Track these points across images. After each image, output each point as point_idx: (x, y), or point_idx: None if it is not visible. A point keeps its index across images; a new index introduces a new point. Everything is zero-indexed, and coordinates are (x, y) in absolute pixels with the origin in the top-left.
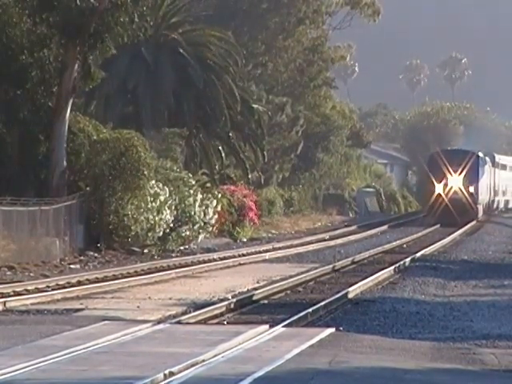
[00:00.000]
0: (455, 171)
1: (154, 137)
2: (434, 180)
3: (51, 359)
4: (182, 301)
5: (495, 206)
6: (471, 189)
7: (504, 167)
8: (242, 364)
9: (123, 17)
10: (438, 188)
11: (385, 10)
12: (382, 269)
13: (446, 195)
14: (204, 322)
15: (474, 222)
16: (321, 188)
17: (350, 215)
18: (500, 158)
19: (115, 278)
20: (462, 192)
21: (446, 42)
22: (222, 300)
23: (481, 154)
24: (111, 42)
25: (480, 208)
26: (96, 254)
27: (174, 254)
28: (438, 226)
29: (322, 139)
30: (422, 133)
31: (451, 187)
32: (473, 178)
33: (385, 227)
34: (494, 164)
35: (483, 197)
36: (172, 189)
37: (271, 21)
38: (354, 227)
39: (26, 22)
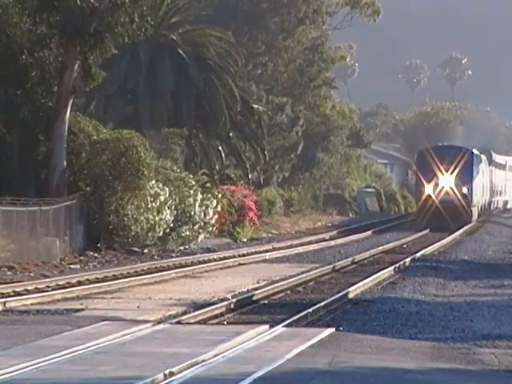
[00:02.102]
0: (447, 170)
1: (154, 137)
2: (423, 179)
3: (51, 359)
4: (182, 301)
5: (492, 207)
6: (464, 189)
7: (503, 166)
8: (242, 364)
9: (123, 17)
10: (428, 188)
11: (385, 9)
12: (382, 269)
13: (437, 196)
14: (204, 322)
15: (472, 223)
16: (321, 188)
17: (350, 215)
18: (497, 157)
19: (115, 278)
20: (455, 193)
21: (446, 41)
22: (222, 300)
23: (475, 151)
24: (111, 42)
25: (474, 211)
26: (96, 254)
27: (174, 254)
28: (428, 231)
29: (322, 139)
30: (422, 133)
31: (442, 187)
32: (466, 177)
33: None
34: (492, 162)
35: (478, 198)
36: (172, 189)
37: (271, 21)
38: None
39: (25, 22)
